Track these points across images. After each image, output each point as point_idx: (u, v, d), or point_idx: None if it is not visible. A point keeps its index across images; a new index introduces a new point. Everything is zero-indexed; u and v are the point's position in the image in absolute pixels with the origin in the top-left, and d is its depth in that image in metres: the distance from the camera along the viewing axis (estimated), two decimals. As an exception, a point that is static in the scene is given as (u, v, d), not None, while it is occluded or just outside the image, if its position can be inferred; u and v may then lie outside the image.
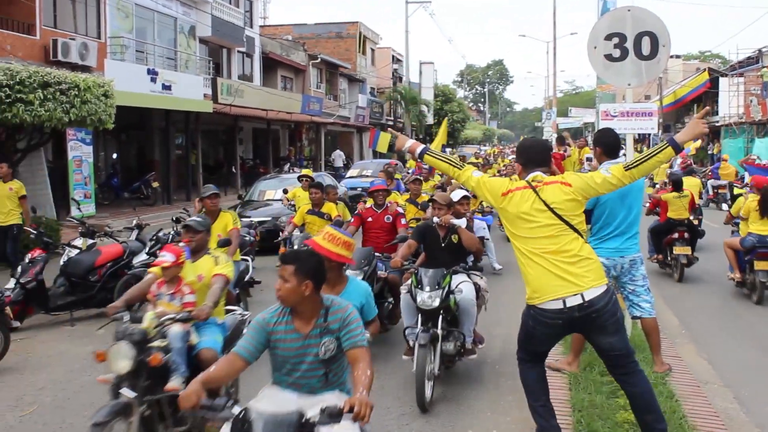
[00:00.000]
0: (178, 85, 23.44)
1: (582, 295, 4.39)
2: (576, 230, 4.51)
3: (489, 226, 15.95)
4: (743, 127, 34.37)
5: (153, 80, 22.02)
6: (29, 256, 8.99)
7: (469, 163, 7.01)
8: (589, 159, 18.03)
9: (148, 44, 25.36)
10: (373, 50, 53.48)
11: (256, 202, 16.91)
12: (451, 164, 5.06)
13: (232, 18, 31.51)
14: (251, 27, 34.85)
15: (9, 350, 7.55)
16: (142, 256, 9.87)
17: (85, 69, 18.65)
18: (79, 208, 16.13)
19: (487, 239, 11.97)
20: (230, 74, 32.02)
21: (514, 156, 25.58)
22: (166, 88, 22.66)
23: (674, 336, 7.97)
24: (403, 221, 8.91)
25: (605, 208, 6.15)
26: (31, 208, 13.03)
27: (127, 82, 19.00)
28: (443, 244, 6.95)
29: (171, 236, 10.28)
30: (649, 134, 42.31)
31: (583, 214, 4.63)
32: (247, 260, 9.12)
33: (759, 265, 9.78)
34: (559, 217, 4.46)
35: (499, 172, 19.76)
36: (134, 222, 11.37)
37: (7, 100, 12.12)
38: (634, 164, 4.50)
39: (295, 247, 9.30)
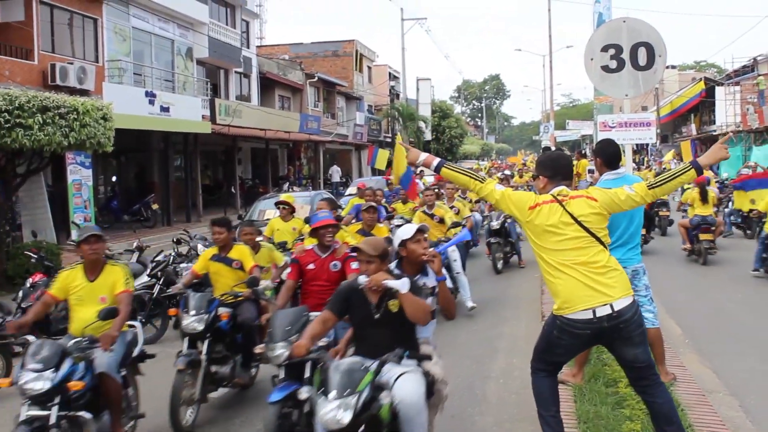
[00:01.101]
0: (177, 107, 23.55)
1: (611, 306, 4.42)
2: (602, 243, 4.56)
3: (469, 243, 15.21)
4: (740, 135, 34.49)
5: (151, 102, 22.14)
6: (30, 280, 8.99)
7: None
8: (590, 171, 18.14)
9: (146, 67, 25.50)
10: (369, 68, 53.70)
11: (256, 222, 16.85)
12: (471, 177, 4.92)
13: (229, 39, 31.70)
14: (248, 47, 35.04)
15: (11, 375, 7.49)
16: (143, 279, 9.87)
17: (84, 93, 18.73)
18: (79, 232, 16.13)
19: (458, 273, 10.14)
20: (228, 95, 32.16)
21: (509, 170, 25.65)
22: (165, 110, 22.76)
23: (677, 345, 7.95)
24: (354, 265, 5.99)
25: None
26: (32, 232, 13.05)
27: (125, 105, 19.06)
28: (377, 316, 4.59)
29: (171, 258, 10.25)
30: (647, 144, 42.47)
31: (606, 228, 4.66)
32: (134, 326, 6.30)
33: (702, 236, 13.77)
34: (586, 229, 4.51)
35: None
36: (134, 244, 11.38)
37: (7, 125, 12.11)
38: (658, 184, 4.60)
39: (190, 311, 6.59)
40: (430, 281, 4.88)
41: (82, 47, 22.10)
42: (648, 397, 4.71)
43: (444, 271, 5.06)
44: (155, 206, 23.81)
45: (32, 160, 14.15)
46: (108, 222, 22.99)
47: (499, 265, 13.36)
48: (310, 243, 6.91)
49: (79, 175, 19.10)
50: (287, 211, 10.19)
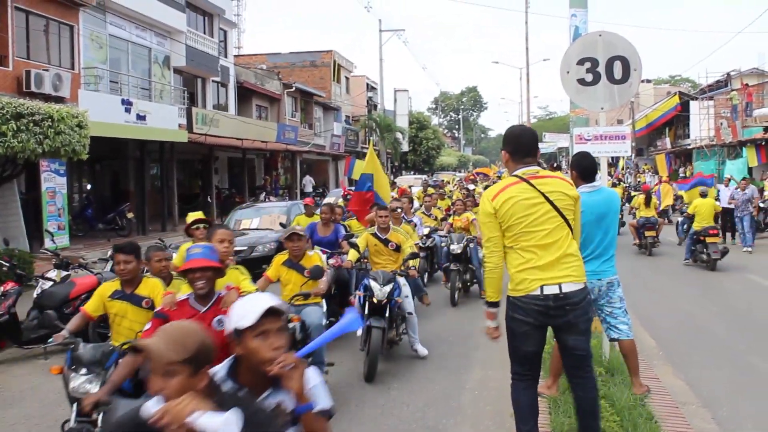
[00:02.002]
0: (153, 115, 23.37)
1: (560, 286, 4.49)
2: (570, 227, 4.61)
3: (434, 266, 13.62)
4: (714, 149, 34.90)
5: (127, 110, 21.94)
6: (1, 289, 8.87)
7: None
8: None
9: (123, 74, 25.33)
10: (347, 78, 53.79)
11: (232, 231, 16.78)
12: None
13: (207, 48, 31.58)
14: (225, 56, 34.92)
15: None
16: (117, 287, 9.75)
17: (59, 100, 18.56)
18: (52, 240, 15.92)
19: (410, 313, 8.42)
20: (205, 104, 32.02)
21: (473, 183, 25.83)
22: (141, 118, 22.59)
23: (651, 357, 8.00)
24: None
25: (582, 231, 6.16)
26: (4, 240, 12.88)
27: (101, 113, 18.90)
28: None
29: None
30: (622, 157, 42.83)
31: (574, 215, 4.73)
32: None
33: (647, 233, 17.72)
34: (557, 210, 4.55)
35: (453, 204, 14.87)
36: (109, 253, 11.28)
37: (-20, 132, 12.00)
38: None
39: (80, 368, 5.11)
40: (289, 400, 2.76)
41: (57, 54, 21.89)
42: (580, 390, 4.81)
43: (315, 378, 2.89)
44: (130, 215, 23.60)
45: (5, 167, 14.02)
46: (82, 230, 22.75)
47: (456, 296, 11.69)
48: (185, 290, 4.70)
49: (54, 182, 18.89)
50: (204, 231, 7.38)
